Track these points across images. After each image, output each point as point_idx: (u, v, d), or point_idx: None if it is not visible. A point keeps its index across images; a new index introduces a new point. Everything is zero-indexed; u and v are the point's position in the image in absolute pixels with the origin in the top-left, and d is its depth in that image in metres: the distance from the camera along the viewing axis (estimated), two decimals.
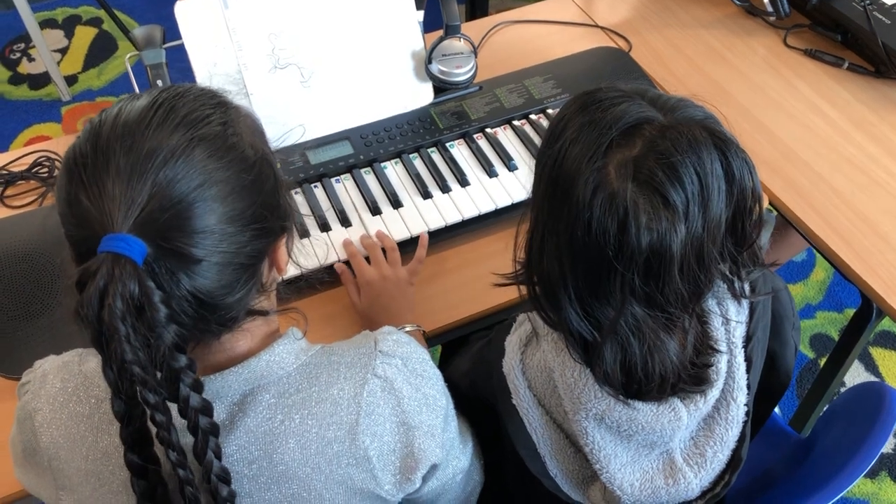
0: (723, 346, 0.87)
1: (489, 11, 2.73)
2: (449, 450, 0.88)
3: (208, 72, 1.24)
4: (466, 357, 1.05)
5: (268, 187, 0.75)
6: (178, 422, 0.69)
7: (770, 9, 1.58)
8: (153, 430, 0.69)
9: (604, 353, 0.80)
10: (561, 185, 0.78)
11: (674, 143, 0.74)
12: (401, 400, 0.81)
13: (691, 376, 0.84)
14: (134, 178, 0.67)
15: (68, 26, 3.01)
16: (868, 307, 1.28)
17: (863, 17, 1.50)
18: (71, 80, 2.80)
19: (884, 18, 1.51)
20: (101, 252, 0.65)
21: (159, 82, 1.18)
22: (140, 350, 0.65)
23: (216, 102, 0.75)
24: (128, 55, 1.24)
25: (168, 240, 0.67)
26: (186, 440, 0.70)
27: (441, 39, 1.34)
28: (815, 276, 2.19)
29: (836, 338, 2.05)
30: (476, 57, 1.37)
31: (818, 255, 2.24)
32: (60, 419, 0.79)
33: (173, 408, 0.69)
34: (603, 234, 0.74)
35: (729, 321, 0.89)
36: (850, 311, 2.09)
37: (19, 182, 1.37)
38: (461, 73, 1.35)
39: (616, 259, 0.74)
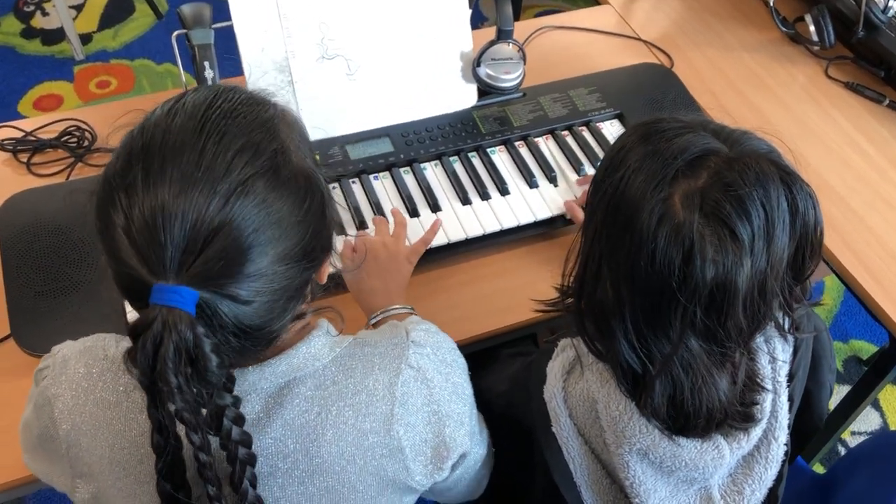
0: (769, 385, 0.87)
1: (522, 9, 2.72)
2: (472, 437, 0.87)
3: (256, 57, 1.21)
4: (503, 377, 1.04)
5: (317, 214, 0.72)
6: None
7: (815, 38, 1.57)
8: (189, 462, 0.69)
9: (654, 387, 0.79)
10: (623, 214, 0.77)
11: (741, 176, 0.74)
12: (432, 389, 0.81)
13: (738, 413, 0.84)
14: (188, 220, 0.63)
15: None
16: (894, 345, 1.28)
17: None
18: (85, 38, 2.75)
19: None
20: (155, 303, 0.63)
21: (206, 63, 1.15)
22: (189, 396, 0.65)
23: (264, 120, 0.71)
24: (175, 33, 1.20)
25: (220, 286, 0.64)
26: (222, 467, 0.70)
27: (492, 43, 1.32)
28: (823, 303, 2.20)
29: (840, 368, 2.07)
30: (525, 63, 1.35)
31: (826, 283, 2.25)
32: (84, 405, 0.77)
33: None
34: (667, 266, 0.74)
35: (776, 359, 0.88)
36: (857, 343, 2.11)
37: (47, 150, 1.34)
38: (509, 78, 1.33)
39: (679, 291, 0.74)
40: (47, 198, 1.20)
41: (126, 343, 0.77)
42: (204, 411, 0.68)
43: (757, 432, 0.87)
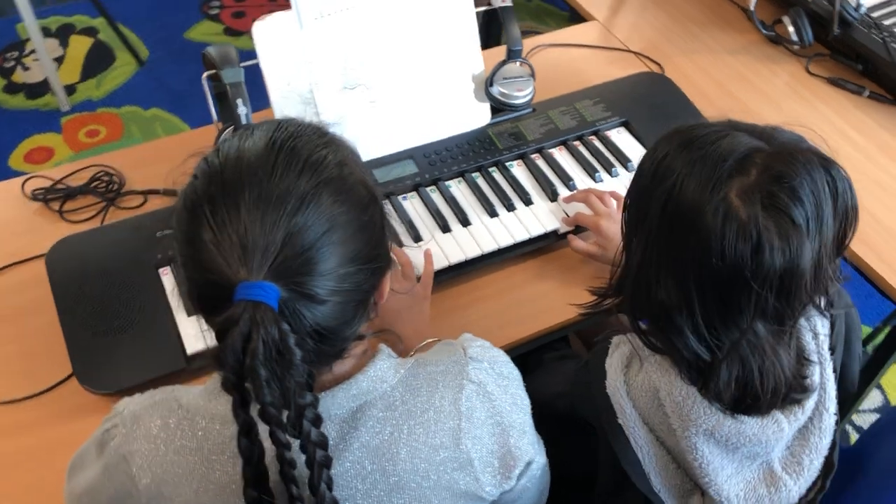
0: (814, 358, 0.93)
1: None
2: (534, 446, 0.92)
3: (282, 90, 1.26)
4: (557, 379, 1.09)
5: (378, 223, 0.79)
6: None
7: (795, 38, 1.66)
8: (273, 465, 0.71)
9: (720, 372, 0.85)
10: (682, 220, 0.82)
11: (788, 167, 0.80)
12: (494, 402, 0.85)
13: (795, 387, 0.90)
14: (267, 224, 0.69)
15: (62, 35, 2.98)
16: None
17: (882, 49, 1.60)
18: (69, 89, 2.77)
19: None
20: (241, 300, 0.67)
21: (239, 101, 1.19)
22: (276, 391, 0.68)
23: (326, 140, 0.77)
24: (204, 74, 1.25)
25: (298, 284, 0.69)
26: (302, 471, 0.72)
27: (503, 63, 1.39)
28: (849, 278, 2.29)
29: None
30: (534, 80, 1.42)
31: None
32: (165, 456, 0.79)
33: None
34: (739, 259, 0.79)
35: (818, 335, 0.95)
36: None
37: (77, 197, 1.37)
38: (522, 95, 1.39)
39: (753, 280, 0.80)
40: (90, 242, 1.23)
41: (196, 389, 0.82)
42: (285, 413, 0.70)
43: (810, 404, 0.93)
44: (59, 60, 2.88)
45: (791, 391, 0.89)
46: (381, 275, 0.80)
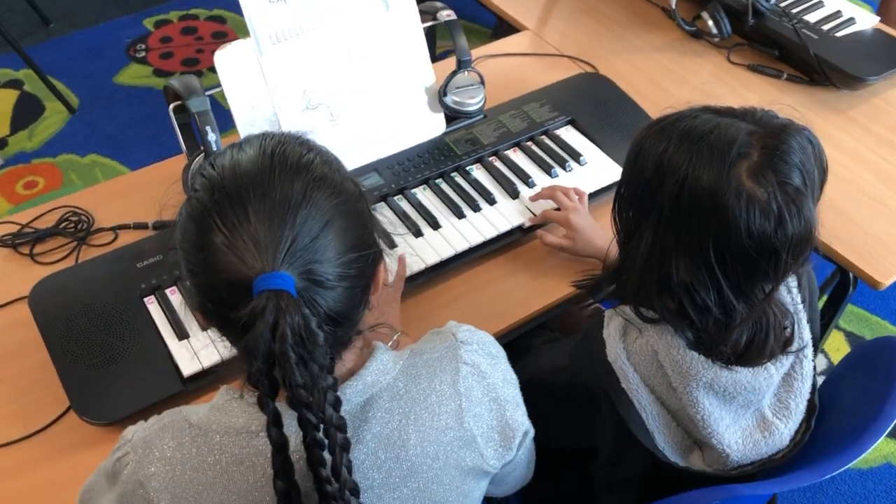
0: (792, 310, 1.02)
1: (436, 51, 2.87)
2: (526, 417, 0.97)
3: (247, 115, 1.30)
4: (554, 356, 1.15)
5: (368, 214, 0.85)
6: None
7: (714, 31, 1.79)
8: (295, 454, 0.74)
9: (733, 335, 0.93)
10: (701, 207, 0.89)
11: (782, 142, 0.89)
12: (488, 380, 0.91)
13: (785, 340, 0.99)
14: (275, 222, 0.74)
15: None
16: (846, 279, 1.47)
17: (793, 34, 1.73)
18: (0, 144, 2.72)
19: (811, 34, 1.75)
20: (262, 290, 0.72)
21: (208, 128, 1.23)
22: (305, 373, 0.72)
23: (308, 145, 0.83)
24: (172, 105, 1.28)
25: (310, 272, 0.74)
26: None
27: (454, 73, 1.46)
28: None
29: None
30: (484, 87, 1.49)
31: None
32: (184, 474, 0.82)
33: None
34: (764, 234, 0.87)
35: (791, 289, 1.04)
36: None
37: (46, 239, 1.37)
38: (474, 102, 1.47)
39: (781, 249, 0.88)
40: (71, 280, 1.24)
41: (202, 408, 0.85)
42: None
43: (792, 351, 1.02)
44: None
45: (785, 344, 0.98)
46: (377, 263, 0.85)
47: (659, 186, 0.92)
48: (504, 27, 2.84)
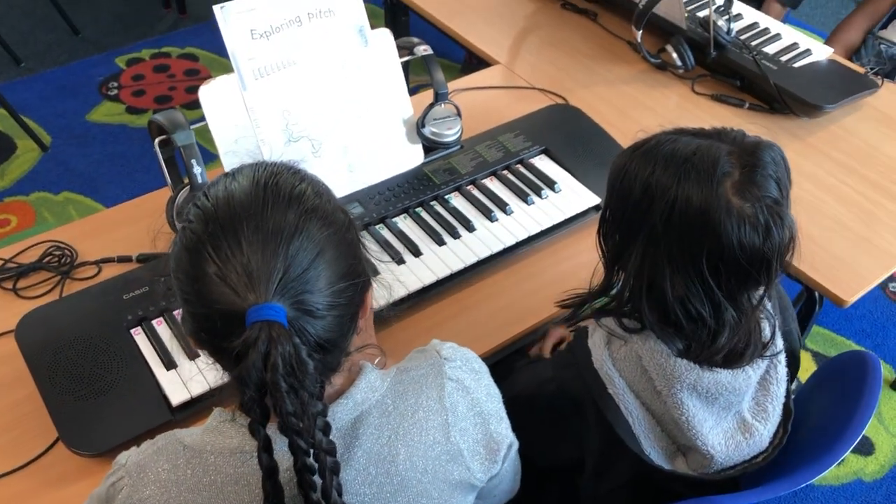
0: (765, 315, 1.07)
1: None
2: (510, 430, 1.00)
3: (231, 148, 1.33)
4: (539, 370, 1.18)
5: (356, 243, 0.87)
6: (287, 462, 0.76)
7: (679, 63, 1.86)
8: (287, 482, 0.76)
9: (720, 340, 0.98)
10: (692, 226, 0.94)
11: (757, 158, 0.95)
12: (472, 395, 0.94)
13: (764, 344, 1.05)
14: (268, 252, 0.76)
15: None
16: (812, 298, 1.53)
17: (753, 65, 1.81)
18: None
19: (770, 65, 1.82)
20: (254, 321, 0.74)
21: (193, 161, 1.26)
22: (296, 401, 0.74)
23: (301, 176, 0.86)
24: (157, 139, 1.30)
25: (301, 302, 0.77)
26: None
27: (432, 105, 1.50)
28: None
29: None
30: (461, 119, 1.54)
31: None
32: (179, 495, 0.83)
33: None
34: (753, 246, 0.93)
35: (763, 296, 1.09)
36: None
37: (30, 273, 1.38)
38: (451, 133, 1.51)
39: (771, 256, 0.94)
40: (57, 313, 1.25)
41: (196, 430, 0.87)
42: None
43: (770, 355, 1.07)
44: None
45: (764, 347, 1.04)
46: (365, 291, 0.88)
47: (648, 208, 0.97)
48: (473, 62, 2.92)
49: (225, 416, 0.86)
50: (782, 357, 1.10)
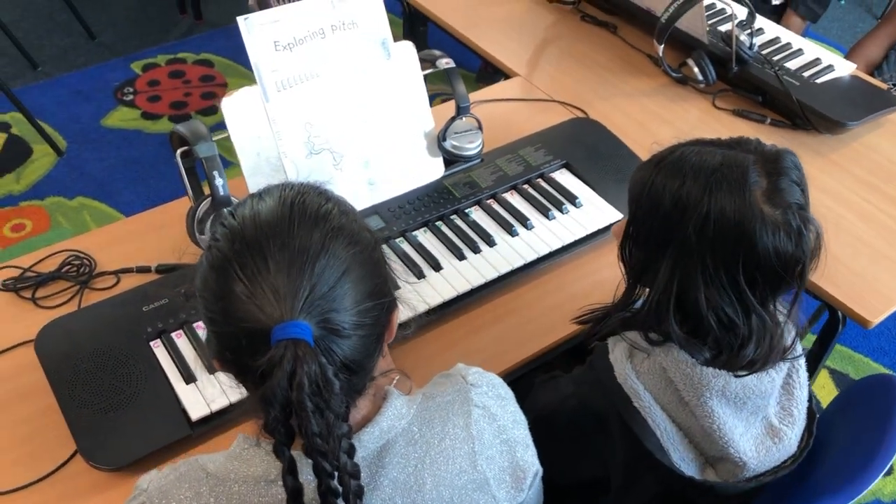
0: (782, 318, 1.07)
1: None
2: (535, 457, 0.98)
3: (252, 160, 1.33)
4: (559, 388, 1.17)
5: (382, 263, 0.86)
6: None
7: (700, 77, 1.85)
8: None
9: (749, 347, 0.99)
10: (726, 237, 0.95)
11: (784, 166, 0.97)
12: (498, 422, 0.92)
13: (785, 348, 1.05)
14: (294, 271, 0.76)
15: None
16: (834, 318, 1.51)
17: (776, 81, 1.80)
18: None
19: (793, 80, 1.81)
20: (280, 339, 0.73)
21: (215, 173, 1.25)
22: (322, 421, 0.73)
23: (326, 196, 0.85)
24: (179, 150, 1.29)
25: (327, 321, 0.76)
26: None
27: (454, 119, 1.50)
28: None
29: None
30: (482, 132, 1.53)
31: None
32: None
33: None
34: (787, 252, 0.95)
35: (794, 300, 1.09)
36: None
37: (49, 283, 1.38)
38: (473, 147, 1.50)
39: (805, 259, 0.96)
40: (77, 324, 1.24)
41: (219, 456, 0.86)
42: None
43: (792, 358, 1.08)
44: None
45: (786, 351, 1.04)
46: (391, 311, 0.87)
47: (679, 220, 0.97)
48: (489, 70, 2.91)
49: (249, 441, 0.85)
50: (802, 361, 1.11)
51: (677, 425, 1.06)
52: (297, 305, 0.74)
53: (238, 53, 3.28)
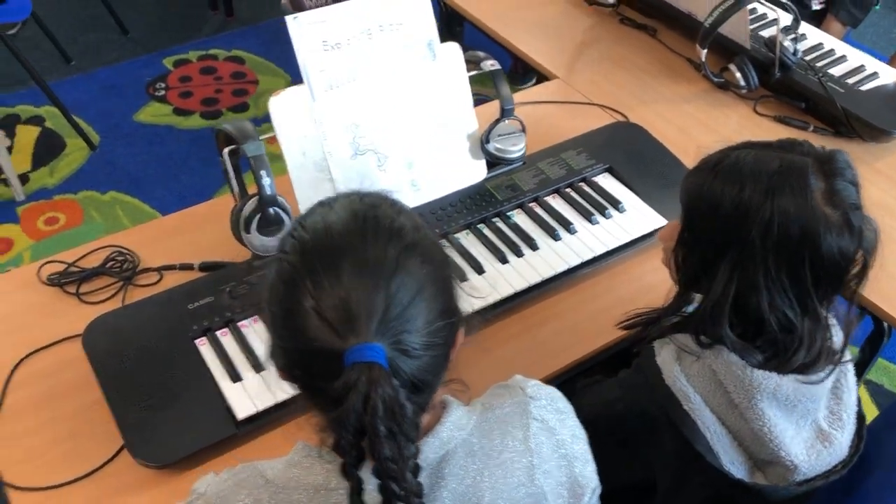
0: (832, 321, 1.07)
1: None
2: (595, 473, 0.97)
3: (298, 160, 1.33)
4: (605, 391, 1.17)
5: (451, 280, 0.84)
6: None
7: (742, 83, 1.83)
8: None
9: (802, 349, 0.99)
10: (790, 241, 0.95)
11: (839, 167, 0.98)
12: (557, 436, 0.91)
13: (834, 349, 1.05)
14: (368, 290, 0.74)
15: (8, 126, 2.96)
16: (880, 329, 1.49)
17: (819, 87, 1.78)
18: (22, 179, 2.74)
19: (837, 87, 1.79)
20: (355, 362, 0.71)
21: (263, 172, 1.25)
22: (394, 445, 0.72)
23: (398, 209, 0.84)
24: (226, 149, 1.29)
25: (399, 342, 0.74)
26: None
27: (497, 121, 1.49)
28: None
29: None
30: (525, 135, 1.52)
31: None
32: None
33: None
34: (849, 251, 0.96)
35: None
36: None
37: (92, 278, 1.38)
38: (516, 150, 1.50)
39: (867, 257, 0.98)
40: (123, 320, 1.25)
41: (278, 463, 0.84)
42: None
43: (843, 361, 1.07)
44: (9, 150, 2.84)
45: (835, 355, 1.04)
46: (458, 328, 0.85)
47: (740, 225, 0.97)
48: (520, 71, 2.90)
49: (309, 451, 0.83)
50: (850, 366, 1.10)
51: (727, 428, 1.06)
52: (371, 326, 0.73)
53: (269, 51, 3.29)
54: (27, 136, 2.94)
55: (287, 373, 0.80)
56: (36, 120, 3.00)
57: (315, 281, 0.75)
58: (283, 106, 1.31)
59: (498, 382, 0.98)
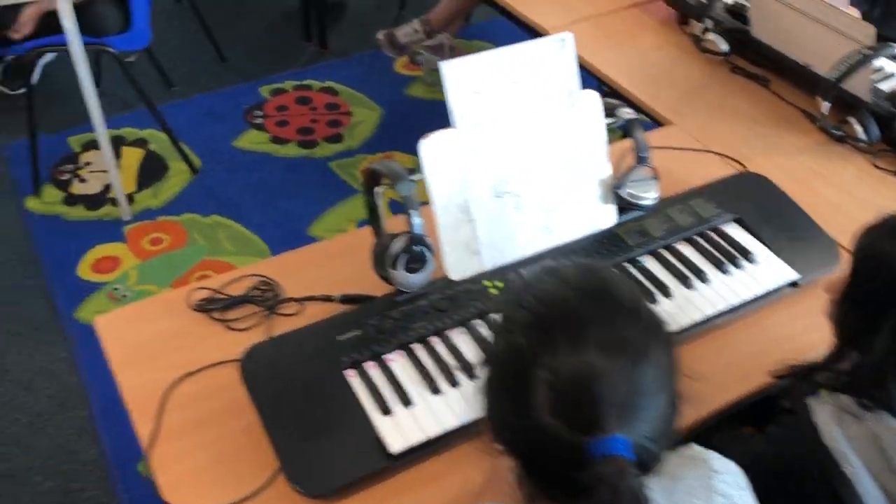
0: None
1: None
2: None
3: (444, 203, 1.37)
4: (747, 449, 1.17)
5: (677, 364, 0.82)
6: None
7: (862, 136, 1.83)
8: None
9: None
10: None
11: None
12: None
13: None
14: (613, 376, 0.73)
15: (114, 147, 3.06)
16: None
17: None
18: (127, 199, 2.84)
19: None
20: (603, 454, 0.71)
21: (413, 211, 1.29)
22: None
23: (628, 284, 0.84)
24: (381, 189, 1.34)
25: (636, 433, 0.74)
26: None
27: (633, 168, 1.52)
28: None
29: None
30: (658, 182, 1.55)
31: None
32: None
33: None
34: None
35: None
36: None
37: (237, 306, 1.44)
38: (649, 196, 1.52)
39: None
40: (276, 349, 1.30)
41: None
42: None
43: None
44: None
45: None
46: (678, 415, 0.83)
47: None
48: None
49: None
50: None
51: (886, 493, 1.05)
52: (615, 415, 0.72)
53: (361, 83, 3.37)
54: (132, 157, 3.05)
55: (509, 448, 0.81)
56: (140, 142, 3.11)
57: (555, 368, 0.74)
58: (434, 148, 1.36)
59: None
